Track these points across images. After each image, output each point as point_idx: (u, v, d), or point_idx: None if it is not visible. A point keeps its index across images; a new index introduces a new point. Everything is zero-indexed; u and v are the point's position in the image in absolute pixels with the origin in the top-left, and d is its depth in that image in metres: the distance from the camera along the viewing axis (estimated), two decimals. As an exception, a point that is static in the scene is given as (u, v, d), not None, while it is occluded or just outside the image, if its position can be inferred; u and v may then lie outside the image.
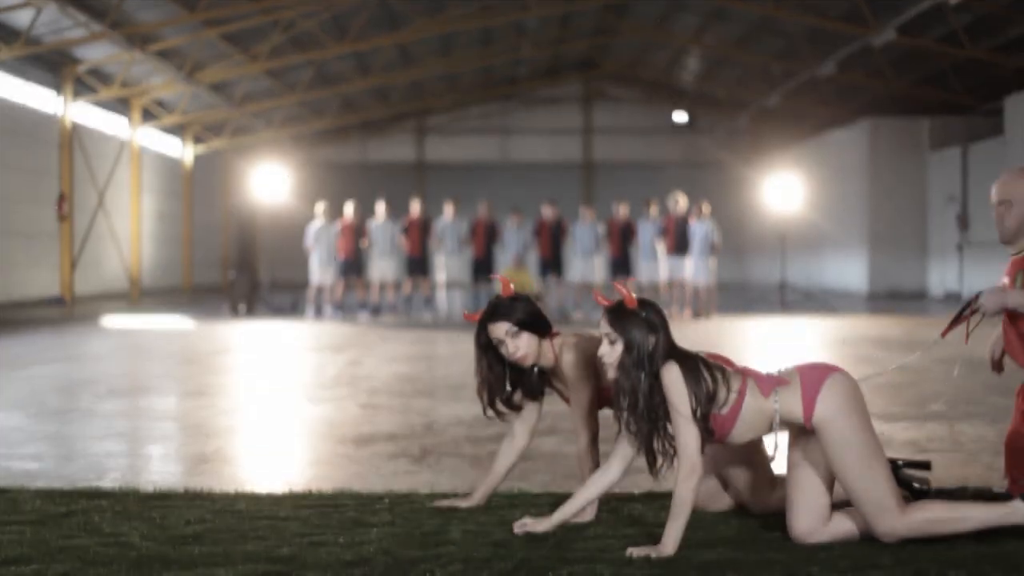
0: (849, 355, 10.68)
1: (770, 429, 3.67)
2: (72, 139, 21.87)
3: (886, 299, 23.73)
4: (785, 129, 32.36)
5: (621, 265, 17.76)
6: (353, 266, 17.78)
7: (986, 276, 21.98)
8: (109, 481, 4.73)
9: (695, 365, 3.57)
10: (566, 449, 5.48)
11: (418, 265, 17.93)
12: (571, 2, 23.60)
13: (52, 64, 21.14)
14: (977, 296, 3.98)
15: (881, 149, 24.71)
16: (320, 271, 17.69)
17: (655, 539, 3.67)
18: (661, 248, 17.59)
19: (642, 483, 4.63)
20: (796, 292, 22.29)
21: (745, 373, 3.68)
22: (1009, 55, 21.19)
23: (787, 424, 3.66)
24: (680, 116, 31.37)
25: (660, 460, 3.63)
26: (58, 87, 21.48)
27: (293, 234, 26.63)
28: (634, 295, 3.65)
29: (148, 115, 26.14)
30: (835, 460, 3.59)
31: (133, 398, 7.67)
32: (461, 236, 17.63)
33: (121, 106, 24.72)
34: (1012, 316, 4.03)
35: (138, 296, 24.94)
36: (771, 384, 3.64)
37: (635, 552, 3.46)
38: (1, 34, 18.60)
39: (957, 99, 24.79)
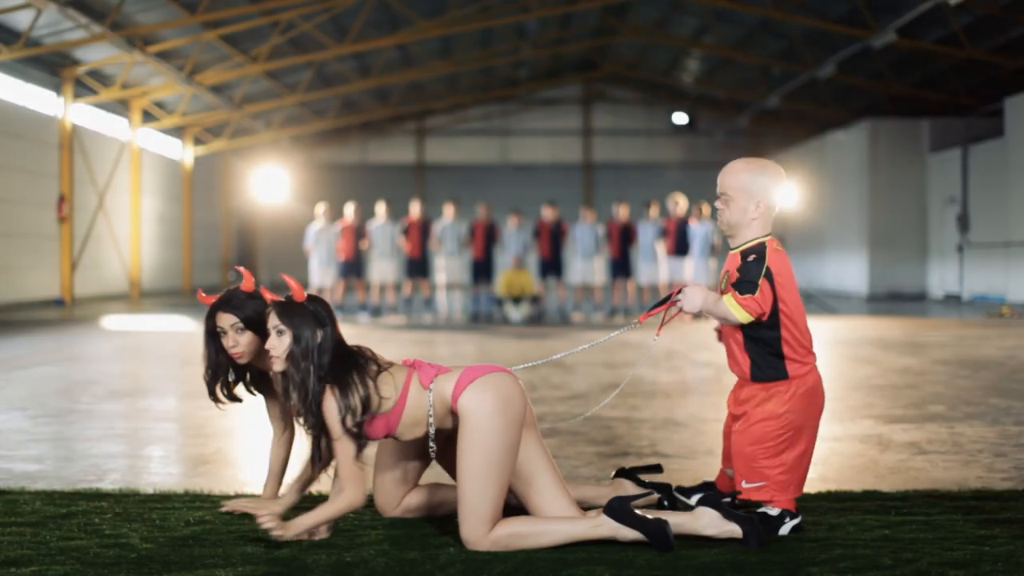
0: (849, 356, 10.68)
1: (428, 418, 3.63)
2: (72, 140, 21.88)
3: (886, 300, 23.73)
4: (785, 130, 32.38)
5: (621, 267, 17.76)
6: (353, 267, 17.78)
7: (986, 277, 21.99)
8: (109, 482, 4.73)
9: (348, 376, 3.54)
10: (566, 450, 5.48)
11: (418, 266, 17.92)
12: (571, 4, 23.60)
13: (52, 65, 21.15)
14: (681, 289, 3.87)
15: (881, 150, 24.72)
16: (320, 272, 17.68)
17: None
18: (661, 249, 17.59)
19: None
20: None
21: (413, 366, 3.67)
22: (1009, 56, 21.20)
23: (440, 413, 3.62)
24: (680, 117, 31.35)
25: (324, 456, 3.64)
26: (58, 88, 21.49)
27: (293, 235, 26.68)
28: (304, 290, 3.63)
29: (148, 116, 26.15)
30: (461, 450, 3.55)
31: (133, 399, 7.67)
32: (461, 238, 17.62)
33: (121, 107, 24.73)
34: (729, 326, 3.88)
35: (138, 297, 24.95)
36: (432, 373, 3.63)
37: (265, 519, 3.49)
38: (1, 35, 18.61)
39: (957, 100, 24.80)
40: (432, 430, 3.67)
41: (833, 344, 12.22)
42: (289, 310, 3.59)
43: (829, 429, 6.16)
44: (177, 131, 28.60)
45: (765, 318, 3.78)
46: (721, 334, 4.02)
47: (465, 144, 35.69)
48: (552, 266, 17.80)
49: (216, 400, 4.06)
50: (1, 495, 4.37)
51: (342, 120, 31.93)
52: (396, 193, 30.52)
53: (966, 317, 17.45)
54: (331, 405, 3.53)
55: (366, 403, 3.54)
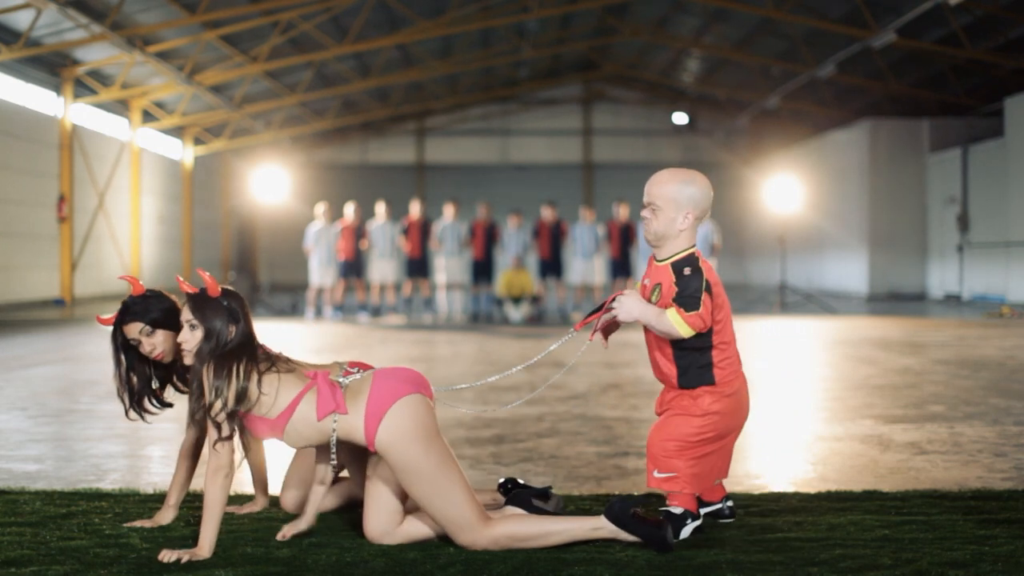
0: (849, 356, 10.68)
1: (329, 444, 3.59)
2: (72, 141, 21.88)
3: (886, 300, 23.73)
4: (785, 130, 32.38)
5: (621, 266, 17.75)
6: (353, 267, 17.78)
7: (986, 277, 21.99)
8: (109, 483, 4.73)
9: (232, 361, 3.50)
10: (566, 451, 5.48)
11: (418, 266, 17.92)
12: (571, 4, 23.60)
13: (52, 65, 21.16)
14: (615, 297, 3.83)
15: (881, 150, 24.72)
16: (320, 272, 17.68)
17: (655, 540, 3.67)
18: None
19: (641, 484, 4.64)
20: (796, 293, 22.29)
21: (313, 381, 3.58)
22: (1009, 56, 21.20)
23: (348, 445, 3.59)
24: (680, 117, 31.39)
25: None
26: (58, 88, 21.49)
27: (293, 235, 26.67)
28: (219, 285, 3.60)
29: (148, 116, 26.16)
30: (404, 483, 3.52)
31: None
32: (461, 238, 17.62)
33: (121, 108, 24.74)
34: (656, 336, 3.83)
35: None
36: (327, 407, 3.53)
37: (166, 556, 3.37)
38: (1, 35, 18.61)
39: (957, 100, 24.80)
40: (334, 459, 3.62)
41: (833, 344, 12.22)
42: (203, 304, 3.56)
43: (829, 429, 6.16)
44: (177, 131, 28.61)
45: (704, 331, 3.76)
46: (645, 341, 3.95)
47: (465, 144, 35.69)
48: (552, 266, 17.80)
49: (143, 413, 3.98)
50: (1, 495, 4.37)
51: (342, 120, 31.93)
52: (396, 193, 30.54)
53: (966, 317, 17.45)
54: (207, 385, 3.49)
55: (241, 396, 3.48)
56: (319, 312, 18.22)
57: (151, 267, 26.74)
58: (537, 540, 3.53)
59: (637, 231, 17.66)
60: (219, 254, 32.81)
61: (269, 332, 14.61)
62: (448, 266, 17.79)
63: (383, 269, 17.89)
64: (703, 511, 3.94)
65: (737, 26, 24.65)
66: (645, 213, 3.95)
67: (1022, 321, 16.32)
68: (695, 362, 3.80)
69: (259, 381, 3.52)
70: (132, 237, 25.55)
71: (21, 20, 18.32)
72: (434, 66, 27.64)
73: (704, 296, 3.73)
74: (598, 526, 3.57)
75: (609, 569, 3.33)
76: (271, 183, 19.59)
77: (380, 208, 17.83)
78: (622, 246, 17.69)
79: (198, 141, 30.10)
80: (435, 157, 35.82)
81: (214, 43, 22.00)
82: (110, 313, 3.99)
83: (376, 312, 17.88)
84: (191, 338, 3.54)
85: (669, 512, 3.74)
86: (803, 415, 6.80)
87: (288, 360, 3.66)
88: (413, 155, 35.88)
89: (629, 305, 3.77)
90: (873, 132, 24.72)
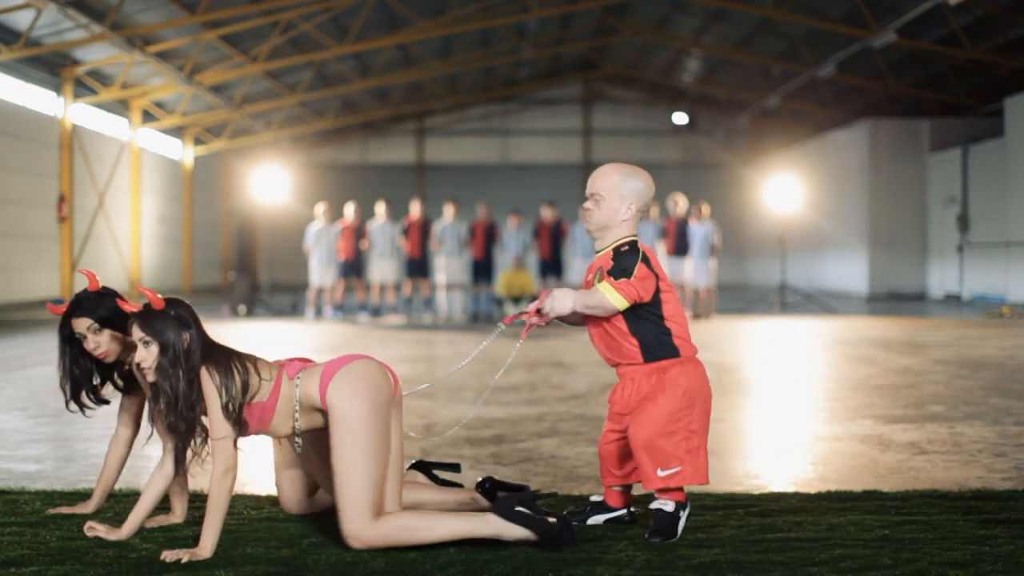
0: (849, 356, 10.68)
1: (294, 414, 3.61)
2: (72, 141, 21.88)
3: (886, 300, 23.73)
4: (785, 130, 32.39)
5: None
6: (353, 267, 17.78)
7: (986, 277, 21.99)
8: (109, 482, 4.72)
9: (226, 358, 3.54)
10: (566, 451, 5.48)
11: (418, 266, 17.92)
12: (571, 3, 23.60)
13: (52, 65, 21.16)
14: (544, 295, 3.80)
15: (881, 150, 24.72)
16: (320, 272, 17.68)
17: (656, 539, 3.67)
18: (661, 250, 17.58)
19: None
20: (796, 293, 22.29)
21: (282, 365, 3.65)
22: (1009, 56, 21.20)
23: (307, 407, 3.60)
24: (680, 117, 31.39)
25: (191, 456, 3.61)
26: (58, 89, 21.49)
27: (293, 235, 26.66)
28: (161, 297, 3.59)
29: (148, 116, 26.16)
30: (332, 442, 3.52)
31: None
32: (461, 238, 17.62)
33: (121, 108, 24.74)
34: (604, 321, 3.81)
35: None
36: (297, 367, 3.61)
37: (168, 556, 3.39)
38: (1, 35, 18.61)
39: (957, 100, 24.80)
40: (299, 425, 3.64)
41: (833, 344, 12.22)
42: (150, 319, 3.54)
43: (829, 429, 6.16)
44: (177, 131, 28.61)
45: (647, 299, 3.73)
46: (591, 335, 3.91)
47: (465, 144, 35.70)
48: (552, 266, 17.80)
49: (82, 406, 3.99)
50: (1, 495, 4.37)
51: (342, 120, 31.93)
52: (396, 193, 30.51)
53: (966, 317, 17.45)
54: (211, 391, 3.49)
55: (246, 386, 3.51)
56: (319, 312, 18.21)
57: (151, 267, 26.75)
58: (424, 533, 3.51)
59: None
60: (219, 254, 32.82)
61: (269, 332, 14.61)
62: (448, 266, 17.78)
63: (383, 269, 17.89)
64: (602, 519, 3.91)
65: (737, 26, 24.65)
66: (588, 204, 3.92)
67: (1022, 321, 16.32)
68: (655, 333, 3.77)
69: (256, 369, 3.56)
70: (132, 237, 25.55)
71: (21, 20, 18.32)
72: (434, 66, 27.64)
73: (639, 267, 3.72)
74: (486, 520, 3.56)
75: (609, 569, 3.33)
76: (271, 183, 19.58)
77: (380, 208, 17.83)
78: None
79: (198, 141, 30.11)
80: (435, 157, 35.83)
81: (214, 43, 22.00)
82: (63, 303, 3.98)
83: (376, 312, 17.88)
84: (148, 355, 3.52)
85: (661, 510, 3.72)
86: (803, 415, 6.80)
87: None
88: (413, 155, 35.89)
89: (560, 298, 3.76)
90: (873, 132, 24.73)
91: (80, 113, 22.66)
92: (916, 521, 3.91)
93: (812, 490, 4.51)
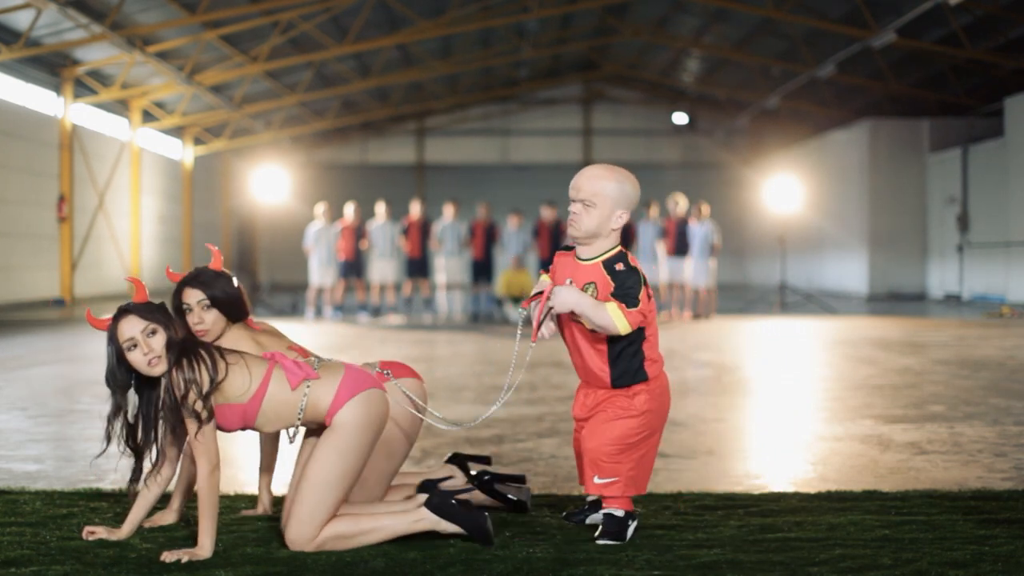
0: (849, 356, 10.68)
1: (295, 420, 3.60)
2: (72, 140, 21.88)
3: (886, 300, 23.73)
4: (785, 130, 32.39)
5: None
6: (353, 267, 17.78)
7: (986, 277, 21.99)
8: (109, 483, 4.73)
9: (196, 355, 3.50)
10: (566, 451, 5.48)
11: (418, 266, 17.92)
12: (571, 3, 23.60)
13: (52, 66, 21.15)
14: (551, 288, 3.70)
15: (881, 150, 24.72)
16: (320, 272, 17.68)
17: (657, 539, 3.67)
18: (661, 250, 17.58)
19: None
20: (796, 293, 22.29)
21: (273, 360, 3.62)
22: (1009, 56, 21.20)
23: (310, 418, 3.60)
24: (680, 117, 31.38)
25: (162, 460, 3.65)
26: (58, 88, 21.49)
27: (293, 235, 26.67)
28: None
29: (148, 116, 26.16)
30: (319, 455, 3.53)
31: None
32: (461, 238, 17.62)
33: (121, 107, 24.74)
34: (586, 334, 3.74)
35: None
36: (300, 377, 3.58)
37: (168, 556, 3.40)
38: (1, 35, 18.61)
39: (957, 100, 24.80)
40: (297, 430, 3.63)
41: (833, 344, 12.22)
42: (151, 309, 3.56)
43: (829, 429, 6.16)
44: (177, 131, 28.60)
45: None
46: (567, 340, 3.85)
47: (465, 144, 35.69)
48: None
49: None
50: (1, 495, 4.37)
51: (342, 120, 31.93)
52: (396, 193, 30.52)
53: (966, 317, 17.44)
54: (177, 381, 3.48)
55: (212, 379, 3.49)
56: (319, 312, 18.21)
57: (151, 267, 26.74)
58: (361, 538, 3.56)
59: (637, 231, 17.56)
60: (219, 254, 32.80)
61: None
62: (448, 266, 17.78)
63: (383, 269, 17.89)
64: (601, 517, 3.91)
65: (737, 26, 24.64)
66: (575, 208, 3.74)
67: (1022, 321, 16.32)
68: (629, 362, 3.73)
69: (223, 357, 3.52)
70: (132, 237, 25.55)
71: (21, 20, 18.31)
72: (434, 66, 27.64)
73: (643, 291, 3.68)
74: (419, 517, 3.60)
75: (609, 568, 3.34)
76: (271, 183, 19.58)
77: (380, 208, 17.83)
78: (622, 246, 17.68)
79: (198, 141, 30.10)
80: (435, 157, 35.82)
81: (214, 43, 21.99)
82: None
83: (376, 312, 17.88)
84: (156, 344, 3.51)
85: (612, 514, 3.72)
86: (803, 415, 6.80)
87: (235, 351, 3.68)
88: (413, 155, 35.88)
89: (565, 295, 3.65)
90: (873, 132, 24.72)
91: (80, 113, 22.66)
92: (916, 521, 3.91)
93: (812, 490, 4.51)
